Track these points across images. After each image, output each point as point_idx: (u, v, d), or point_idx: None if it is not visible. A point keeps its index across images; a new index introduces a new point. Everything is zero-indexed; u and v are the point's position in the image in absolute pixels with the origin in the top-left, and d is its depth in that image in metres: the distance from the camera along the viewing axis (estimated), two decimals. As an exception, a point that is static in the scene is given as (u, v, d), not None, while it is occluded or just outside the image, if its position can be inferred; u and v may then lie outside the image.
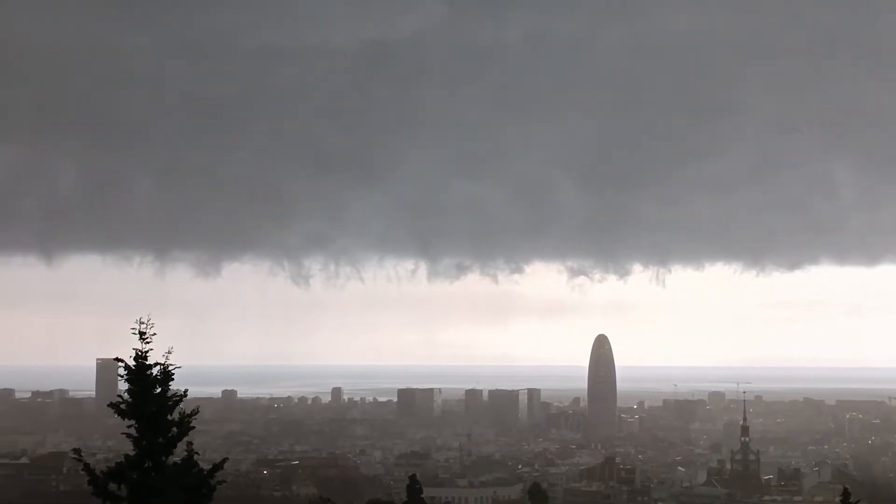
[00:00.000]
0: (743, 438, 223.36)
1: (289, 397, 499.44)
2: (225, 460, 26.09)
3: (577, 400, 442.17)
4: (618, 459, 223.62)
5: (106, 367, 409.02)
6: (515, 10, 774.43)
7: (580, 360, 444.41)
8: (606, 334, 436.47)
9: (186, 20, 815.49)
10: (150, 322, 25.16)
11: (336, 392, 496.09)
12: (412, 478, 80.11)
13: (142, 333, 25.08)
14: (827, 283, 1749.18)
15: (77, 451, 25.82)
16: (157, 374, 25.05)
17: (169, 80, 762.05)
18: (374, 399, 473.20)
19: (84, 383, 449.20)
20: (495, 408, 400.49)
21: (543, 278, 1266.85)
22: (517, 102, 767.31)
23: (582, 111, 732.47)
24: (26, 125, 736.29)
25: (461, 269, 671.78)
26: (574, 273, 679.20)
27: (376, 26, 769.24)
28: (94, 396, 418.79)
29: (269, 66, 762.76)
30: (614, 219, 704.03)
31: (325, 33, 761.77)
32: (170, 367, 25.27)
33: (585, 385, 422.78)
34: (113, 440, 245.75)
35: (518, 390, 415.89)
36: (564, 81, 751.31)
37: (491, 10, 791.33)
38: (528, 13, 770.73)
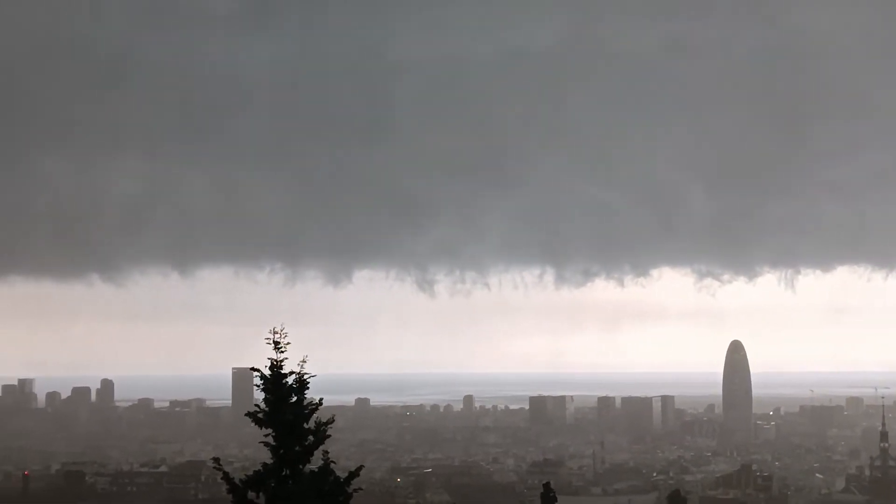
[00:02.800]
0: (882, 444, 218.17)
1: (421, 405, 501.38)
2: (361, 468, 26.17)
3: (711, 407, 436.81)
4: (754, 466, 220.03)
5: (241, 377, 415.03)
6: (651, 16, 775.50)
7: (713, 366, 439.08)
8: (741, 340, 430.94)
9: (318, 33, 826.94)
10: (284, 332, 25.38)
11: (468, 400, 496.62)
12: (546, 486, 79.61)
13: (276, 343, 25.29)
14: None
15: (216, 459, 26.12)
16: (292, 383, 25.26)
17: (299, 92, 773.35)
18: (506, 407, 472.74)
19: (220, 392, 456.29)
20: (628, 415, 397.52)
21: (671, 283, 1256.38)
22: (647, 107, 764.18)
23: (713, 114, 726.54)
24: (160, 140, 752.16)
25: (588, 275, 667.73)
26: (702, 277, 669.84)
27: (516, 36, 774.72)
28: (230, 405, 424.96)
29: (401, 76, 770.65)
30: (743, 222, 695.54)
31: (463, 43, 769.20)
32: (305, 376, 25.45)
33: (720, 391, 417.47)
34: (249, 448, 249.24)
35: (651, 397, 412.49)
36: (696, 85, 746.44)
37: (627, 18, 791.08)
38: (665, 19, 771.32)
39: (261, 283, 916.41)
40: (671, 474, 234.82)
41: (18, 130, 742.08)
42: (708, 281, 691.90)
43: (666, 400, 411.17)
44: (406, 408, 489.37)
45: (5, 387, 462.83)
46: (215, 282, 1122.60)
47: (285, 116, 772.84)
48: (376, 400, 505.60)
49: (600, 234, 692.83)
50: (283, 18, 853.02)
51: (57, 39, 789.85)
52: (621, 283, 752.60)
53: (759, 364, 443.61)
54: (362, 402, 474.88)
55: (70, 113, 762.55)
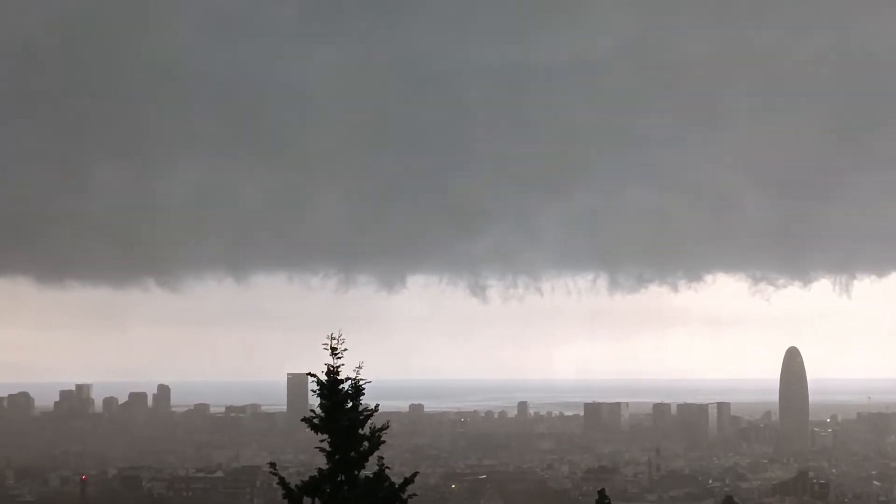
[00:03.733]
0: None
1: (475, 411, 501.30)
2: (416, 474, 26.12)
3: (768, 413, 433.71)
4: (811, 474, 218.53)
5: (296, 382, 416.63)
6: (713, 21, 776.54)
7: (769, 372, 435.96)
8: (797, 346, 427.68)
9: (377, 41, 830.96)
10: (341, 337, 25.44)
11: (522, 406, 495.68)
12: (601, 492, 79.31)
13: (333, 349, 25.35)
14: None
15: (272, 464, 26.18)
16: (348, 389, 25.30)
17: (354, 99, 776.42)
18: (561, 413, 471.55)
19: (275, 398, 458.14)
20: (684, 422, 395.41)
21: (725, 289, 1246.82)
22: (705, 112, 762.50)
23: (770, 119, 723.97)
24: (216, 147, 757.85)
25: (641, 281, 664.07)
26: (756, 282, 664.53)
27: (577, 43, 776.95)
28: (285, 411, 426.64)
29: (459, 83, 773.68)
30: (798, 226, 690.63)
31: (523, 50, 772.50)
32: (360, 382, 25.50)
33: (775, 398, 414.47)
34: (304, 454, 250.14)
35: (707, 404, 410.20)
36: (755, 89, 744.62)
37: (688, 24, 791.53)
38: (725, 24, 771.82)
39: (314, 289, 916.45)
40: (727, 481, 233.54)
41: (76, 136, 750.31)
42: (762, 286, 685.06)
43: (722, 406, 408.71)
44: (460, 414, 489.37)
45: (63, 392, 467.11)
46: (269, 287, 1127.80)
47: (340, 123, 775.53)
48: (430, 406, 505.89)
49: (655, 240, 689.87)
50: (343, 26, 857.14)
51: (116, 48, 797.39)
52: (675, 288, 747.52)
53: (816, 370, 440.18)
54: (416, 408, 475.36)
55: (128, 120, 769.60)
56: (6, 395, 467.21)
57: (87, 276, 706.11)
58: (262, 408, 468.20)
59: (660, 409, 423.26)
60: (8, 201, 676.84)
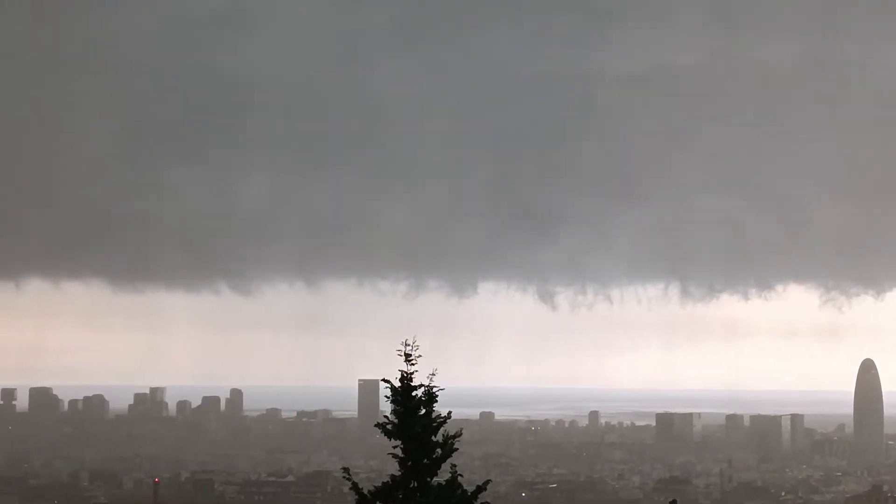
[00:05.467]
0: None
1: (546, 420, 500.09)
2: (488, 482, 26.06)
3: (841, 426, 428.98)
4: (885, 487, 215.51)
5: (367, 388, 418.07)
6: (790, 32, 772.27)
7: (842, 384, 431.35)
8: (872, 358, 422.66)
9: (451, 49, 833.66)
10: (416, 344, 25.45)
11: (593, 415, 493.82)
12: (672, 503, 79.11)
13: (407, 355, 25.38)
14: None
15: (346, 469, 26.27)
16: (421, 396, 25.32)
17: (425, 105, 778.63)
18: (632, 423, 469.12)
19: (346, 403, 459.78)
20: (757, 433, 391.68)
21: (797, 299, 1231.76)
22: (780, 121, 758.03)
23: (844, 128, 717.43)
24: (288, 154, 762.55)
25: (713, 290, 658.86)
26: (828, 291, 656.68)
27: (654, 52, 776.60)
28: (356, 416, 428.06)
29: (535, 91, 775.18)
30: (871, 236, 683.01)
31: (600, 59, 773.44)
32: (434, 389, 25.51)
33: (849, 410, 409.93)
34: (375, 460, 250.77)
35: (780, 416, 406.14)
36: (830, 99, 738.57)
37: (766, 34, 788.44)
38: (803, 35, 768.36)
39: (384, 294, 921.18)
40: (800, 494, 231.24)
41: (151, 143, 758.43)
42: (834, 295, 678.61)
43: (795, 418, 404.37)
44: (531, 422, 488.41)
45: (137, 395, 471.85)
46: (340, 293, 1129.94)
47: (413, 130, 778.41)
48: (501, 414, 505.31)
49: (727, 249, 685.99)
50: (418, 35, 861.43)
51: (190, 57, 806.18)
52: (746, 298, 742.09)
53: (891, 382, 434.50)
54: (487, 416, 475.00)
55: (203, 126, 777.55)
56: (81, 398, 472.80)
57: (160, 279, 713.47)
58: (334, 413, 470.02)
59: (732, 420, 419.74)
60: (83, 205, 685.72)
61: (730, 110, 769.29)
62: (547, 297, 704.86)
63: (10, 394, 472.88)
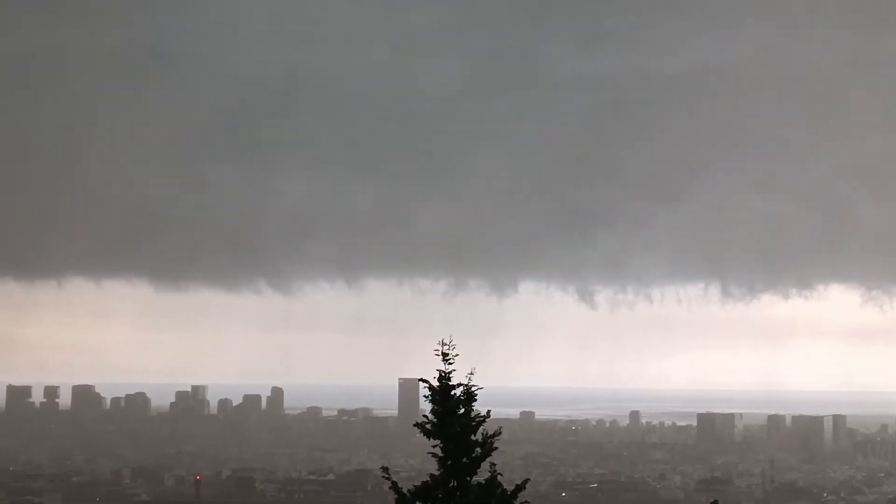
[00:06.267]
0: None
1: (586, 419, 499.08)
2: (527, 481, 25.99)
3: (884, 427, 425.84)
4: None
5: (407, 387, 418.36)
6: (837, 31, 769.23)
7: (885, 384, 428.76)
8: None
9: (492, 49, 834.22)
10: (453, 343, 25.39)
11: (634, 415, 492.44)
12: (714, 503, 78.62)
13: (445, 355, 25.33)
14: None
15: (385, 469, 26.22)
16: (460, 395, 25.28)
17: (462, 104, 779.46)
18: (673, 423, 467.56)
19: (387, 402, 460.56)
20: (799, 434, 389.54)
21: (839, 299, 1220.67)
22: (822, 120, 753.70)
23: (890, 127, 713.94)
24: (328, 153, 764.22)
25: (753, 290, 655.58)
26: (870, 291, 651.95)
27: (700, 52, 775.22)
28: (396, 415, 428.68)
29: (576, 90, 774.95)
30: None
31: (646, 58, 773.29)
32: (472, 388, 25.46)
33: (893, 411, 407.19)
34: (415, 459, 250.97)
35: (822, 416, 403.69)
36: (873, 98, 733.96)
37: (813, 33, 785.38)
38: (850, 34, 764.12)
39: (424, 293, 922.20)
40: (842, 495, 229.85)
41: (192, 140, 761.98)
42: (876, 294, 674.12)
43: (837, 419, 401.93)
44: (571, 422, 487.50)
45: (179, 393, 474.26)
46: (380, 292, 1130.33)
47: (454, 129, 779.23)
48: (541, 413, 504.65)
49: (767, 248, 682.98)
50: (459, 35, 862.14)
51: (231, 60, 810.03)
52: (787, 298, 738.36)
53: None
54: (527, 415, 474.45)
55: (244, 125, 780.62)
56: (123, 396, 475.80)
57: (201, 278, 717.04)
58: (374, 412, 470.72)
59: (774, 420, 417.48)
60: (125, 204, 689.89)
61: (772, 109, 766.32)
62: (587, 297, 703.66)
63: (52, 392, 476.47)
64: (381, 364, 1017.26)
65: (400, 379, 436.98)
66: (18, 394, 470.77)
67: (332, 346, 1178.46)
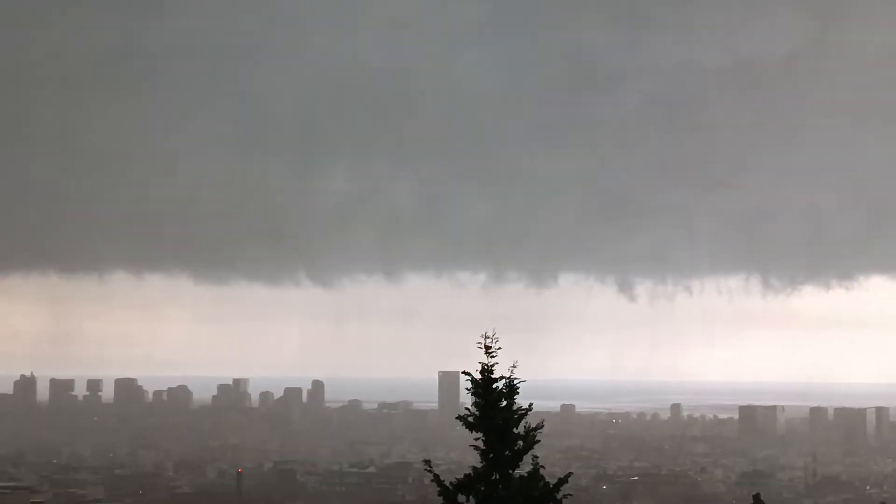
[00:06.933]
0: None
1: (627, 412, 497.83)
2: (570, 474, 26.02)
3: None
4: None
5: (447, 380, 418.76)
6: (886, 22, 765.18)
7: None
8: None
9: (539, 40, 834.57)
10: (495, 336, 25.41)
11: (675, 408, 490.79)
12: (756, 497, 78.06)
13: (487, 348, 25.35)
14: None
15: (427, 462, 26.29)
16: (502, 388, 25.29)
17: (509, 97, 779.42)
18: (715, 416, 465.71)
19: (427, 395, 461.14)
20: (841, 426, 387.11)
21: (880, 290, 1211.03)
22: (868, 112, 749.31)
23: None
24: (369, 147, 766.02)
25: (794, 282, 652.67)
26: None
27: (746, 44, 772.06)
28: (437, 408, 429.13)
29: (625, 82, 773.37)
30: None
31: (692, 50, 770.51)
32: (515, 381, 25.47)
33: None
34: (456, 452, 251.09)
35: (865, 408, 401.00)
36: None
37: (862, 26, 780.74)
38: (892, 24, 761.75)
39: (463, 285, 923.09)
40: (885, 488, 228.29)
41: (235, 135, 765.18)
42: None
43: (880, 411, 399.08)
44: (612, 415, 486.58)
45: (220, 386, 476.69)
46: (420, 285, 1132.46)
47: (493, 122, 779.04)
48: (581, 406, 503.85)
49: (808, 240, 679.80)
50: (501, 28, 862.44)
51: (277, 56, 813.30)
52: (828, 289, 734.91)
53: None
54: (567, 409, 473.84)
55: (287, 120, 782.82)
56: (166, 389, 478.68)
57: (242, 271, 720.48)
58: (414, 405, 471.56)
59: (816, 412, 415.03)
60: (165, 198, 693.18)
61: (817, 102, 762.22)
62: (626, 289, 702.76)
63: (95, 385, 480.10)
64: (421, 357, 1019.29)
65: (440, 372, 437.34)
66: (62, 387, 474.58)
67: (372, 338, 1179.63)
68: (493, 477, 25.00)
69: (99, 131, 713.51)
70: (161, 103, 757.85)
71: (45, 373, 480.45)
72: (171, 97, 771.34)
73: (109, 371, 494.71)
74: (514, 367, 25.44)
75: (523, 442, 25.13)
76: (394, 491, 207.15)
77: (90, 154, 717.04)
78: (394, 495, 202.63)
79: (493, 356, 25.50)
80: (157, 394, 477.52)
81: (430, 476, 25.52)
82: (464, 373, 25.55)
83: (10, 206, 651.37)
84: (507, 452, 25.02)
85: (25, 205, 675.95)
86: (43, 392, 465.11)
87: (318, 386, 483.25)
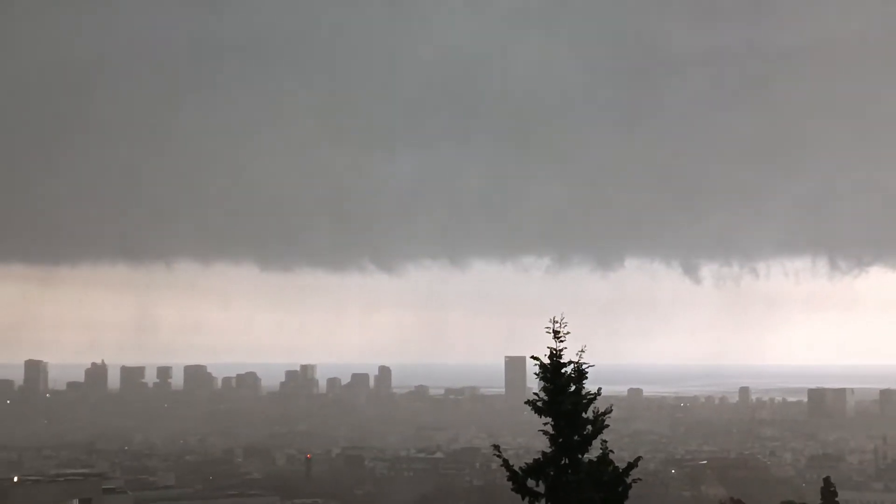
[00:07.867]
0: None
1: (695, 396, 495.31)
2: (639, 459, 26.05)
3: None
4: None
5: (513, 365, 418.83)
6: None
7: None
8: None
9: (596, 28, 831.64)
10: (564, 321, 25.44)
11: (743, 392, 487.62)
12: (826, 480, 77.50)
13: (556, 332, 25.40)
14: None
15: (497, 447, 26.45)
16: (571, 373, 25.33)
17: (570, 85, 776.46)
18: (783, 399, 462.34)
19: (493, 380, 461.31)
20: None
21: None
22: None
23: None
24: (434, 136, 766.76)
25: (862, 263, 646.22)
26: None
27: (822, 24, 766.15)
28: (503, 393, 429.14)
29: (693, 66, 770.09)
30: None
31: (763, 32, 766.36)
32: (583, 366, 25.50)
33: None
34: (523, 437, 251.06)
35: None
36: None
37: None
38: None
39: (528, 269, 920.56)
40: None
41: (300, 124, 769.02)
42: None
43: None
44: (679, 399, 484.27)
45: (288, 372, 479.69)
46: (485, 271, 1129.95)
47: (557, 106, 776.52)
48: (649, 390, 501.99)
49: (876, 221, 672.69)
50: (570, 12, 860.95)
51: (342, 43, 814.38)
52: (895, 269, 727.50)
53: None
54: (635, 393, 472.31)
55: (349, 107, 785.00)
56: (234, 376, 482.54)
57: (307, 258, 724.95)
58: (481, 390, 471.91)
59: (887, 395, 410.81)
60: (230, 187, 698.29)
61: (887, 82, 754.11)
62: (691, 271, 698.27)
63: (165, 372, 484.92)
64: (487, 342, 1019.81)
65: (506, 357, 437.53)
66: (132, 374, 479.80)
67: (437, 324, 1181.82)
68: (563, 461, 25.08)
69: (151, 122, 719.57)
70: (223, 92, 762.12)
71: (115, 361, 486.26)
72: (229, 85, 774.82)
73: (179, 358, 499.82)
74: (582, 351, 25.52)
75: (592, 426, 25.20)
76: (461, 476, 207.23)
77: (150, 148, 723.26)
78: (461, 480, 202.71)
79: (561, 341, 25.56)
80: (226, 380, 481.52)
81: (498, 461, 25.66)
82: (532, 357, 25.64)
83: (88, 194, 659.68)
84: (576, 437, 25.10)
85: (102, 193, 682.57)
86: (114, 380, 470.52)
87: (384, 372, 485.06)
